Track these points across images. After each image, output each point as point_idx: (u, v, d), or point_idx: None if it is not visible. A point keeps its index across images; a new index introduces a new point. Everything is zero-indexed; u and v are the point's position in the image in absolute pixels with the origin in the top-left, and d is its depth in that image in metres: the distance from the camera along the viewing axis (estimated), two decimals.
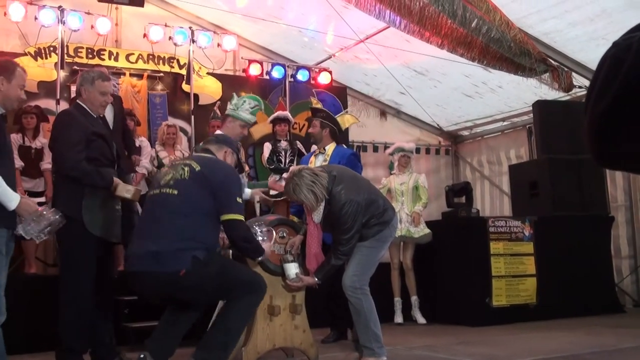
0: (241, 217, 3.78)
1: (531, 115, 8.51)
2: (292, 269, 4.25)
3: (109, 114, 5.90)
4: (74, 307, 4.15)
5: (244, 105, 4.97)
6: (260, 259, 4.02)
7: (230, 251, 4.46)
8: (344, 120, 6.05)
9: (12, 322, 5.39)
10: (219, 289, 3.67)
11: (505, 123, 10.05)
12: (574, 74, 7.42)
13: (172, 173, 3.81)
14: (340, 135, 5.92)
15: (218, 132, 5.07)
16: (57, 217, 3.67)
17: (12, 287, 5.70)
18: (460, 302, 6.69)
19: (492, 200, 10.38)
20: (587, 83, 7.61)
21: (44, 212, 3.62)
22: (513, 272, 6.76)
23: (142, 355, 3.67)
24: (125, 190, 4.25)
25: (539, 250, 6.93)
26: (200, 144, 7.30)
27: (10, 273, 7.04)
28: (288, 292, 4.44)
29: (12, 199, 3.44)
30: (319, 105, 6.27)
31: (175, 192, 3.70)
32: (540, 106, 7.97)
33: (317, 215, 4.31)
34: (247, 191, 5.09)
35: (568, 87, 7.31)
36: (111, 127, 5.86)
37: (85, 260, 4.16)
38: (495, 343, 5.47)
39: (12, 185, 3.58)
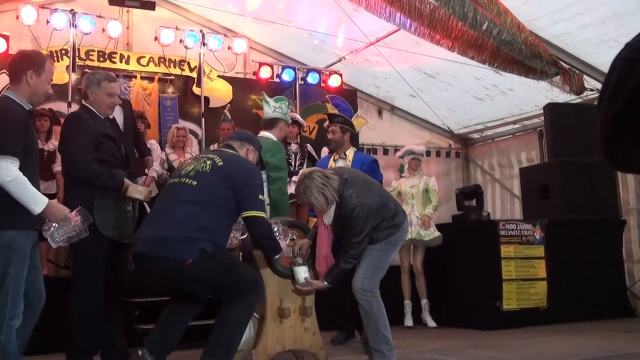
0: (263, 214, 3.78)
1: (542, 118, 8.48)
2: (302, 273, 4.23)
3: (118, 116, 5.94)
4: (84, 308, 4.16)
5: (287, 108, 5.33)
6: (277, 257, 4.03)
7: (242, 253, 4.46)
8: (357, 123, 6.08)
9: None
10: (221, 284, 3.64)
11: (516, 126, 10.01)
12: (585, 76, 7.39)
13: (194, 165, 3.81)
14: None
15: (264, 133, 5.17)
16: (83, 222, 3.60)
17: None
18: (471, 305, 6.66)
19: (503, 203, 10.34)
20: (598, 86, 7.57)
21: (72, 218, 3.54)
22: (524, 276, 6.72)
23: (140, 352, 3.67)
24: (137, 191, 4.26)
25: (550, 254, 6.89)
26: (210, 146, 7.37)
27: None
28: (298, 295, 4.43)
29: (39, 202, 3.38)
30: (335, 111, 6.31)
31: (195, 182, 3.70)
32: (552, 109, 7.93)
33: (328, 218, 4.31)
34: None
35: (579, 89, 7.29)
36: (121, 129, 5.89)
37: (95, 261, 4.18)
38: (506, 347, 5.44)
39: (37, 187, 3.56)
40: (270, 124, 5.25)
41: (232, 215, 3.77)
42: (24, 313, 3.47)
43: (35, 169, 3.59)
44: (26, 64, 3.52)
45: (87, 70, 7.92)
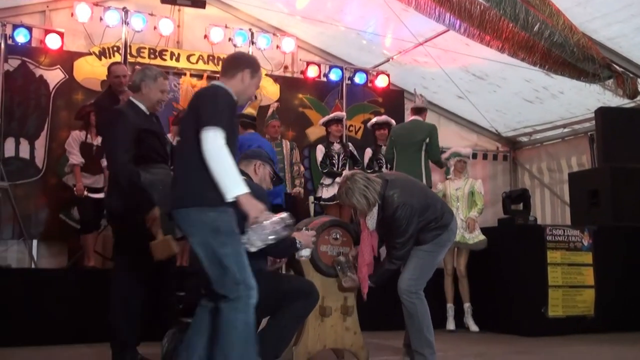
0: None
1: (593, 122, 8.31)
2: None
3: None
4: (125, 301, 4.22)
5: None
6: (302, 254, 4.01)
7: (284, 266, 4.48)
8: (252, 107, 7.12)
9: (71, 313, 5.56)
10: (271, 304, 3.68)
11: (566, 130, 9.82)
12: (639, 80, 7.20)
13: None
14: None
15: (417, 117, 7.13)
16: (285, 230, 3.24)
17: (72, 279, 5.90)
18: (515, 311, 6.56)
19: (552, 208, 10.15)
20: None
21: (274, 220, 3.19)
22: (570, 283, 6.59)
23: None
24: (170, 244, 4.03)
25: (598, 261, 6.74)
26: None
27: (70, 266, 7.27)
28: (342, 292, 4.43)
29: (238, 187, 3.07)
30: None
31: None
32: (603, 113, 7.77)
33: (371, 221, 4.29)
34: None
35: (633, 93, 7.10)
36: None
37: (138, 253, 4.20)
38: (550, 354, 5.36)
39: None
40: (419, 111, 7.31)
41: None
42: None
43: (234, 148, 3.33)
44: (245, 63, 3.52)
45: (137, 67, 8.06)
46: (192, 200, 3.16)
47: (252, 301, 3.13)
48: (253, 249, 3.21)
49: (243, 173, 4.02)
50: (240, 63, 3.50)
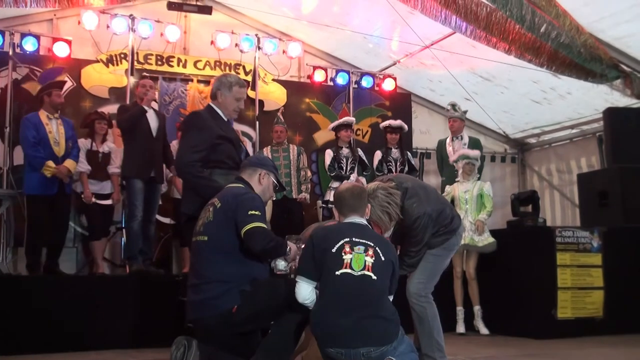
0: (256, 225, 3.70)
1: (602, 122, 8.27)
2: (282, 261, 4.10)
3: (154, 123, 6.39)
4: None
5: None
6: (288, 255, 3.93)
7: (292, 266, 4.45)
8: None
9: (81, 320, 5.57)
10: (275, 309, 3.69)
11: (574, 130, 9.78)
12: None
13: (203, 217, 3.89)
14: None
15: None
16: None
17: (82, 286, 5.92)
18: (525, 313, 6.52)
19: (562, 210, 10.10)
20: None
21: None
22: (580, 284, 6.54)
23: (185, 341, 3.77)
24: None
25: (608, 263, 6.69)
26: (263, 150, 7.50)
27: (79, 273, 7.30)
28: None
29: None
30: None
31: (205, 238, 3.79)
32: (612, 113, 7.75)
33: (388, 231, 4.26)
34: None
35: None
36: (154, 135, 6.17)
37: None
38: (560, 357, 5.33)
39: None
40: None
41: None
42: None
43: None
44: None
45: (145, 74, 8.09)
46: None
47: None
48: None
49: (245, 182, 4.01)
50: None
